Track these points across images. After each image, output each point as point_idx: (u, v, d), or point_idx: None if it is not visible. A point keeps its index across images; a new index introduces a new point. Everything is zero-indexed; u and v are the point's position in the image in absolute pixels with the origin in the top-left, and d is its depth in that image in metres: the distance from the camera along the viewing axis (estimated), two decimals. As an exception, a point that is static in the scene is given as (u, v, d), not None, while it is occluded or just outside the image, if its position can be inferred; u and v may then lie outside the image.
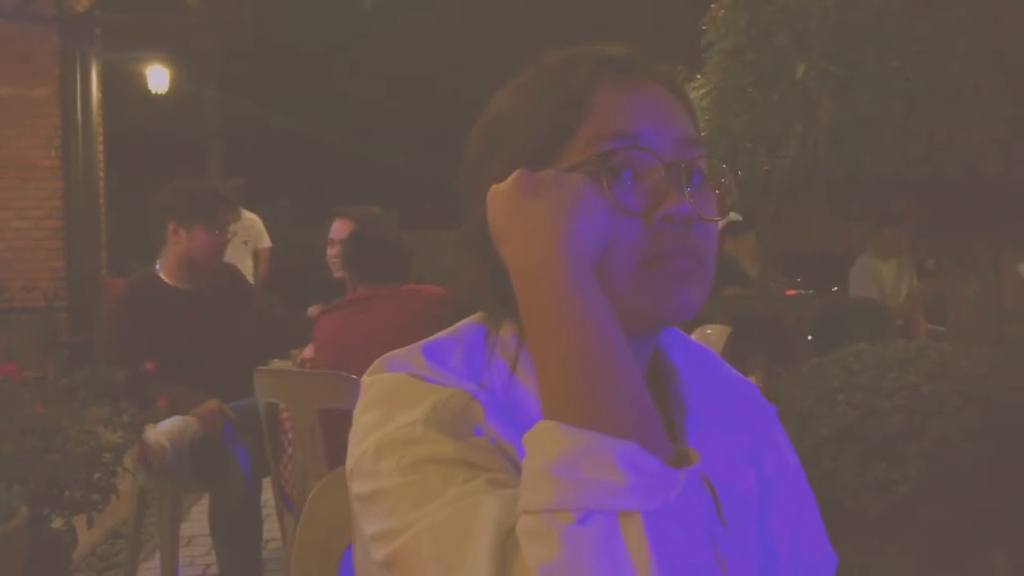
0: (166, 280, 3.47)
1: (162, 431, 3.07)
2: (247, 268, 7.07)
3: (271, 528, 3.83)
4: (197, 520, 4.51)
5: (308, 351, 3.23)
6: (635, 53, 0.87)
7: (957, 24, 3.08)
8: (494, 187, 0.80)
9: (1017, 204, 3.50)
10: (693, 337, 1.01)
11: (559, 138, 0.81)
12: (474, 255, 0.85)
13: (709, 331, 3.86)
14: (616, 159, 0.80)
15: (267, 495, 3.41)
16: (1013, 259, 3.80)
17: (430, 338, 0.85)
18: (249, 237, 7.22)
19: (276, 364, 3.48)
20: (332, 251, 3.79)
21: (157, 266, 3.50)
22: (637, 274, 0.79)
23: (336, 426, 2.79)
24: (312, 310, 3.99)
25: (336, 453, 2.81)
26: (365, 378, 0.84)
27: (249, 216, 7.26)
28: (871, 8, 3.28)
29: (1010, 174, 3.12)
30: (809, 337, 4.78)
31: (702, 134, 0.89)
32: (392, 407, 0.79)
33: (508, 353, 0.83)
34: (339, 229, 3.79)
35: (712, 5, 4.15)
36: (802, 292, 6.12)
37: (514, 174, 0.79)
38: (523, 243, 0.75)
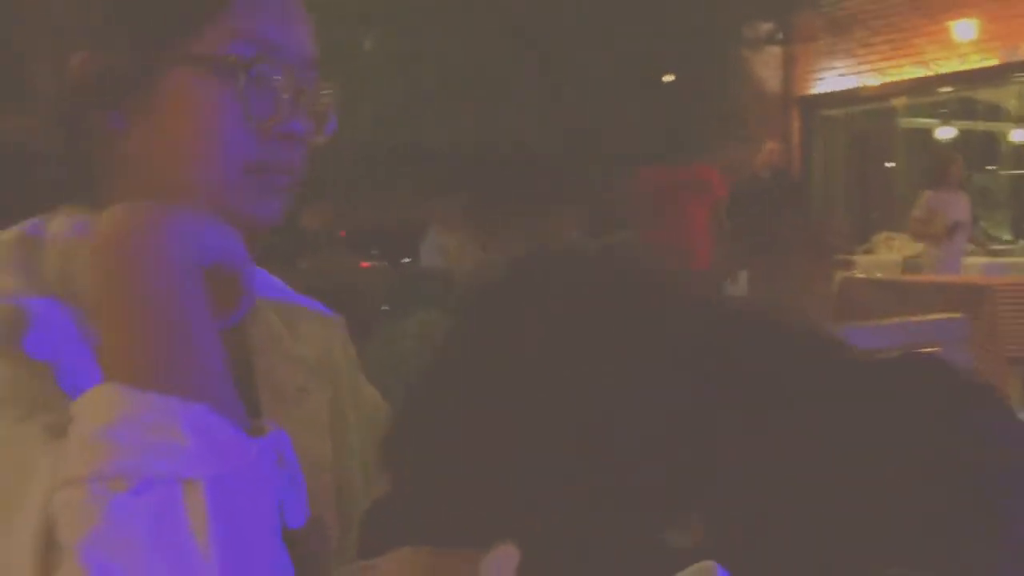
0: None
1: None
2: None
3: None
4: None
5: None
6: None
7: (503, 10, 3.34)
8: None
9: (549, 175, 3.85)
10: None
11: (194, 21, 0.75)
12: (46, 123, 0.77)
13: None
14: (249, 62, 0.76)
15: None
16: (555, 228, 4.18)
17: None
18: None
19: None
20: None
21: None
22: (240, 179, 0.77)
23: None
24: None
25: None
26: None
27: None
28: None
29: (546, 147, 3.44)
30: (384, 308, 4.91)
31: None
32: None
33: (58, 254, 0.73)
34: None
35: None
36: (376, 264, 6.27)
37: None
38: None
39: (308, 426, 0.85)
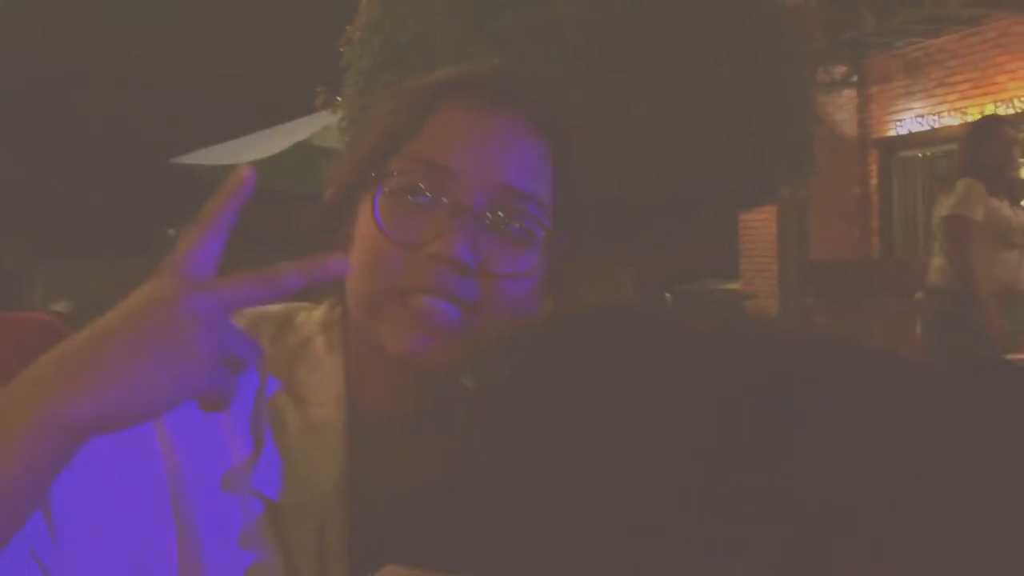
0: None
1: None
2: None
3: None
4: None
5: None
6: (504, 75, 0.86)
7: (567, 53, 3.36)
8: None
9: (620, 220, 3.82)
10: None
11: (390, 148, 0.81)
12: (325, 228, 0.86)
13: None
14: (412, 185, 0.79)
15: None
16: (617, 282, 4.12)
17: None
18: None
19: None
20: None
21: None
22: (386, 303, 0.77)
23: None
24: None
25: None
26: None
27: None
28: (493, 36, 3.47)
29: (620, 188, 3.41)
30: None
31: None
32: None
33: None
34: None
35: (347, 27, 4.17)
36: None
37: None
38: None
39: None
